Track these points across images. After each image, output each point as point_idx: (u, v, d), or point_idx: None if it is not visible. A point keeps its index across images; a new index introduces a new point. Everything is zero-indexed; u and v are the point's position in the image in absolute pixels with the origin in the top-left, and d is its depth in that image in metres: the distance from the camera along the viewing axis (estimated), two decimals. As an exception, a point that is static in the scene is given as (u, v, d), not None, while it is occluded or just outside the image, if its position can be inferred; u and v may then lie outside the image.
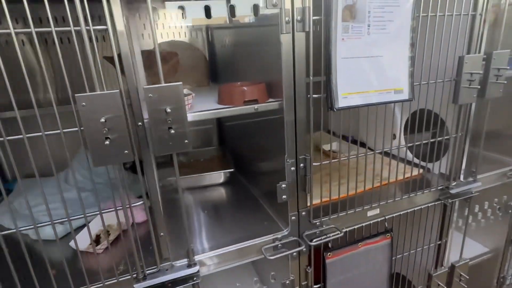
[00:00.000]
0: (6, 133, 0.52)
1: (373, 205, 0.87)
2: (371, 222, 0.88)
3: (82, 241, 0.76)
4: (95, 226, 0.81)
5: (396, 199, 0.89)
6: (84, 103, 0.53)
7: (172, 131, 0.57)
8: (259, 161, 0.97)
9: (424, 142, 0.88)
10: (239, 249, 0.76)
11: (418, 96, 0.81)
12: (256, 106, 0.69)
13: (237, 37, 1.00)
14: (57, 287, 0.61)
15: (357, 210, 0.85)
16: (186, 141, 0.60)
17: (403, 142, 1.11)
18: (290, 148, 0.73)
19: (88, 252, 0.77)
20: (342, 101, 0.70)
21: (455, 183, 0.97)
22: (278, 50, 0.66)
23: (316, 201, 0.82)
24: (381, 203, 0.87)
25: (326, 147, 1.26)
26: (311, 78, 0.69)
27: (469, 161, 0.97)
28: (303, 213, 0.79)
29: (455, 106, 0.88)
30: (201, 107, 0.71)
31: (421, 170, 1.02)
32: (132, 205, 0.63)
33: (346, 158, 0.79)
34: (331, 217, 0.82)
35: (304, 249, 0.82)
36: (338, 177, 0.81)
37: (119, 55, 0.55)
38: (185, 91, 0.76)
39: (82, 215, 0.60)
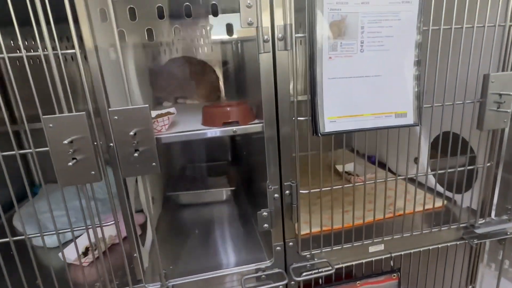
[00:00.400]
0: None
1: (375, 240, 0.77)
2: (374, 259, 0.78)
3: (70, 253, 0.78)
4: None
5: (405, 235, 0.78)
6: (51, 125, 0.54)
7: (136, 154, 0.56)
8: (254, 182, 0.93)
9: (439, 172, 0.76)
10: (219, 276, 0.72)
11: (430, 118, 0.72)
12: (234, 128, 0.66)
13: (243, 53, 0.98)
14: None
15: (355, 244, 0.76)
16: (153, 164, 0.59)
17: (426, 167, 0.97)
18: (272, 173, 0.68)
19: (75, 264, 0.78)
20: (328, 126, 0.63)
21: (483, 220, 0.83)
22: (257, 70, 0.62)
23: (306, 231, 0.75)
24: (385, 239, 0.77)
25: (345, 167, 1.17)
26: (295, 99, 0.64)
27: (502, 195, 0.82)
28: (291, 243, 0.73)
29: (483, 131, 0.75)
30: (184, 127, 0.69)
31: (437, 204, 0.89)
32: (103, 224, 0.63)
33: (340, 186, 0.72)
34: (324, 250, 0.75)
35: (292, 283, 0.75)
36: (331, 205, 0.73)
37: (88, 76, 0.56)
38: (172, 109, 0.75)
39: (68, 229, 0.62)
